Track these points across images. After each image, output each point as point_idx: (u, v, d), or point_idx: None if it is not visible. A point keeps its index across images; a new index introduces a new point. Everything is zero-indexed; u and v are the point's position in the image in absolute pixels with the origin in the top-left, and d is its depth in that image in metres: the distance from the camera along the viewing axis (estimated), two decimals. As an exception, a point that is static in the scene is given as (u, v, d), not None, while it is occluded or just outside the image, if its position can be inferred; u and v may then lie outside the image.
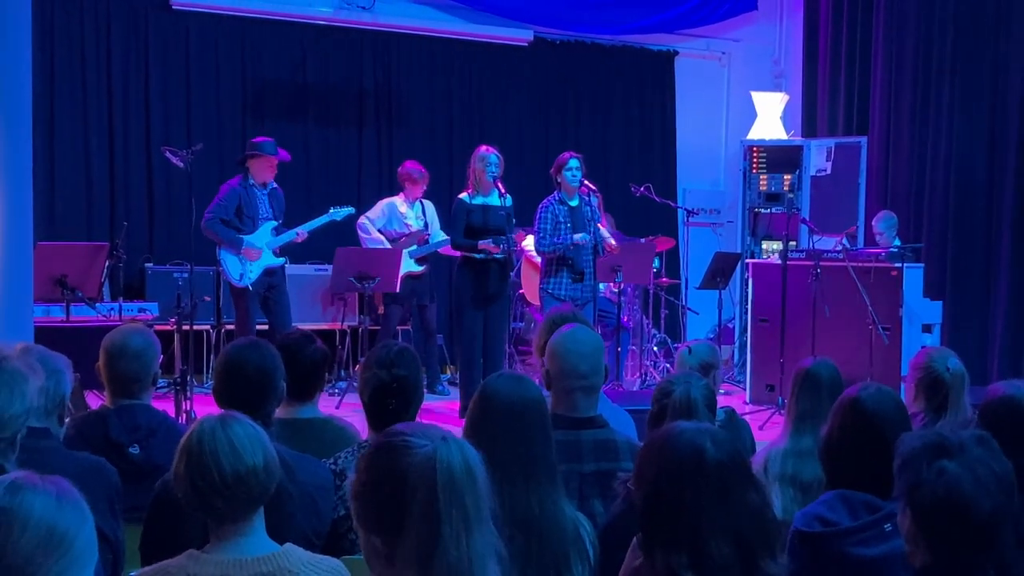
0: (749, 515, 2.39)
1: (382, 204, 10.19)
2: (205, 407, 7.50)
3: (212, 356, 9.94)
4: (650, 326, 11.17)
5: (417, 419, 3.89)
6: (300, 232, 9.43)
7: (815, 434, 4.16)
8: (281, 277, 9.46)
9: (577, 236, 8.75)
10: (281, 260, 9.41)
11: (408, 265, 9.86)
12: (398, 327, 10.31)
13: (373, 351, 4.03)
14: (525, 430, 3.12)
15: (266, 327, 9.21)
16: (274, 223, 9.33)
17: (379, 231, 10.03)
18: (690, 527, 2.33)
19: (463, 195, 9.01)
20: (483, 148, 9.00)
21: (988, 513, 2.47)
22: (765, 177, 12.37)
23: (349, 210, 9.81)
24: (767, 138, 12.61)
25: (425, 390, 9.99)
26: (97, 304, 8.47)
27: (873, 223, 11.00)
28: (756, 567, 2.35)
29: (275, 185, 9.44)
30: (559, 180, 8.94)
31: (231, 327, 9.88)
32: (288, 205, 9.67)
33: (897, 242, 10.64)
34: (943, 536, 2.52)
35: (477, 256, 8.82)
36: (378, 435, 2.32)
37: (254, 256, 9.16)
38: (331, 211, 9.71)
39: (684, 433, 2.52)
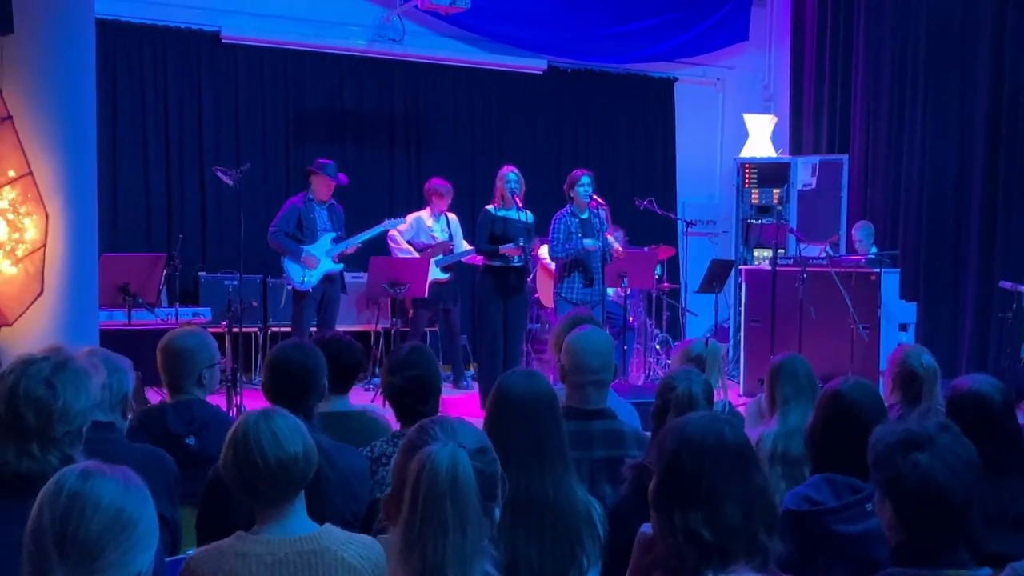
0: (756, 492, 2.41)
1: (410, 218, 10.17)
2: (254, 402, 7.53)
3: (259, 355, 9.96)
4: (653, 327, 11.15)
5: (440, 410, 3.90)
6: (356, 242, 9.49)
7: (798, 414, 4.20)
8: (337, 283, 9.50)
9: (587, 241, 8.76)
10: (339, 266, 9.45)
11: (435, 273, 9.85)
12: (426, 328, 10.31)
13: (389, 357, 4.04)
14: (538, 421, 3.10)
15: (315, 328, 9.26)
16: (333, 234, 9.38)
17: (407, 242, 10.03)
18: (707, 491, 2.35)
19: (490, 207, 8.98)
20: (506, 168, 8.98)
21: (961, 496, 2.48)
22: (756, 191, 12.35)
23: (402, 221, 9.90)
24: (758, 156, 12.57)
25: (451, 385, 10.04)
26: (156, 309, 8.50)
27: (852, 231, 10.99)
28: (758, 540, 2.36)
29: (334, 202, 9.52)
30: (571, 195, 8.93)
31: (276, 329, 9.92)
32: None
33: (874, 249, 10.61)
34: (922, 521, 2.52)
35: (496, 263, 8.81)
36: (421, 421, 2.30)
37: (313, 264, 9.22)
38: (386, 222, 9.76)
39: (703, 417, 2.54)
